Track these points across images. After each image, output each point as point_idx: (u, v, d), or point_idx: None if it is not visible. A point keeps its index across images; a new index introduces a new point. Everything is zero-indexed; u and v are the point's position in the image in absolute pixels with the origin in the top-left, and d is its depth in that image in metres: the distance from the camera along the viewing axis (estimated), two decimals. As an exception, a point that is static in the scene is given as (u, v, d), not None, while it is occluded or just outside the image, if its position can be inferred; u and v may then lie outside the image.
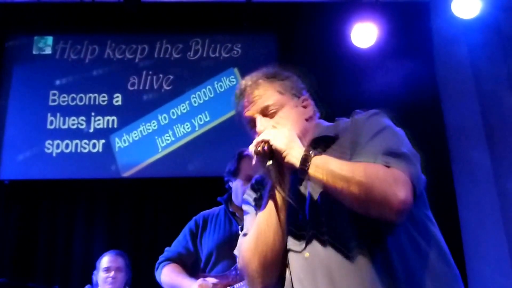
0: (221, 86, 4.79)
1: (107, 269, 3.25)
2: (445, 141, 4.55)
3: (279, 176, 1.34)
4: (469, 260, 4.20)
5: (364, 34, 4.46)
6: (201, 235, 2.68)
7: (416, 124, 4.38)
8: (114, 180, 4.44)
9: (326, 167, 1.24)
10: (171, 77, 4.78)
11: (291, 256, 1.38)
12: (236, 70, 4.83)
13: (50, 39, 4.83)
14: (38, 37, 4.82)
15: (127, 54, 4.83)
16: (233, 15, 4.82)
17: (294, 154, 1.28)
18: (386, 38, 4.52)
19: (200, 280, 2.47)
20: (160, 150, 4.56)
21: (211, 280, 2.46)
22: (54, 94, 4.65)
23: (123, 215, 4.42)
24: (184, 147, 4.58)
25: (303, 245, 1.35)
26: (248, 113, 1.45)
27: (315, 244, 1.33)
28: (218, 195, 2.80)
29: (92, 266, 3.43)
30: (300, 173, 1.28)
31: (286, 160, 1.29)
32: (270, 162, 1.31)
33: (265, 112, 1.43)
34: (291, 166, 1.30)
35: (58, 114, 4.59)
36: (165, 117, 4.65)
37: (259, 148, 1.31)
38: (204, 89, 4.76)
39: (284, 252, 1.38)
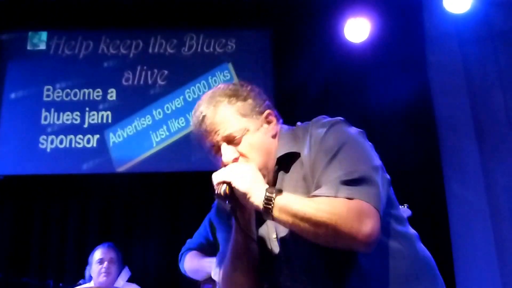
0: (215, 81, 4.80)
1: (101, 261, 3.26)
2: (435, 135, 4.57)
3: (242, 215, 1.33)
4: (457, 253, 4.24)
5: (357, 29, 4.49)
6: None
7: (406, 119, 4.44)
8: (108, 175, 4.45)
9: (290, 209, 1.22)
10: (166, 72, 4.78)
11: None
12: (230, 65, 4.84)
13: (44, 35, 4.82)
14: (32, 33, 4.80)
15: (121, 49, 4.83)
16: (227, 10, 4.83)
17: (256, 196, 1.25)
18: (378, 33, 4.54)
19: None
20: (154, 145, 4.57)
21: None
22: (48, 90, 4.65)
23: (117, 210, 4.43)
24: (178, 142, 4.58)
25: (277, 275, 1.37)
26: (211, 141, 1.39)
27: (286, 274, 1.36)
28: (212, 190, 2.81)
29: (86, 261, 3.44)
30: (264, 216, 1.26)
31: (249, 202, 1.26)
32: (229, 206, 1.30)
33: (230, 140, 1.37)
34: (255, 208, 1.28)
35: (52, 110, 4.59)
36: (159, 112, 4.66)
37: (221, 191, 1.29)
38: (198, 84, 4.77)
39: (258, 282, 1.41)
